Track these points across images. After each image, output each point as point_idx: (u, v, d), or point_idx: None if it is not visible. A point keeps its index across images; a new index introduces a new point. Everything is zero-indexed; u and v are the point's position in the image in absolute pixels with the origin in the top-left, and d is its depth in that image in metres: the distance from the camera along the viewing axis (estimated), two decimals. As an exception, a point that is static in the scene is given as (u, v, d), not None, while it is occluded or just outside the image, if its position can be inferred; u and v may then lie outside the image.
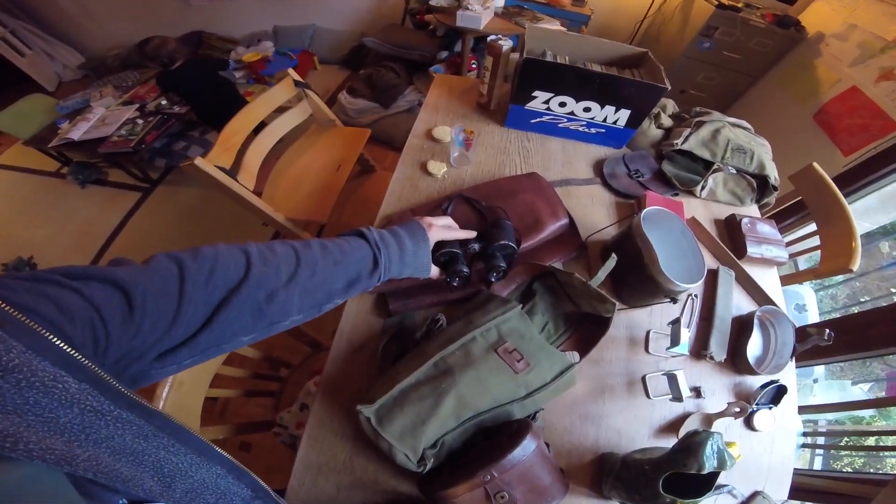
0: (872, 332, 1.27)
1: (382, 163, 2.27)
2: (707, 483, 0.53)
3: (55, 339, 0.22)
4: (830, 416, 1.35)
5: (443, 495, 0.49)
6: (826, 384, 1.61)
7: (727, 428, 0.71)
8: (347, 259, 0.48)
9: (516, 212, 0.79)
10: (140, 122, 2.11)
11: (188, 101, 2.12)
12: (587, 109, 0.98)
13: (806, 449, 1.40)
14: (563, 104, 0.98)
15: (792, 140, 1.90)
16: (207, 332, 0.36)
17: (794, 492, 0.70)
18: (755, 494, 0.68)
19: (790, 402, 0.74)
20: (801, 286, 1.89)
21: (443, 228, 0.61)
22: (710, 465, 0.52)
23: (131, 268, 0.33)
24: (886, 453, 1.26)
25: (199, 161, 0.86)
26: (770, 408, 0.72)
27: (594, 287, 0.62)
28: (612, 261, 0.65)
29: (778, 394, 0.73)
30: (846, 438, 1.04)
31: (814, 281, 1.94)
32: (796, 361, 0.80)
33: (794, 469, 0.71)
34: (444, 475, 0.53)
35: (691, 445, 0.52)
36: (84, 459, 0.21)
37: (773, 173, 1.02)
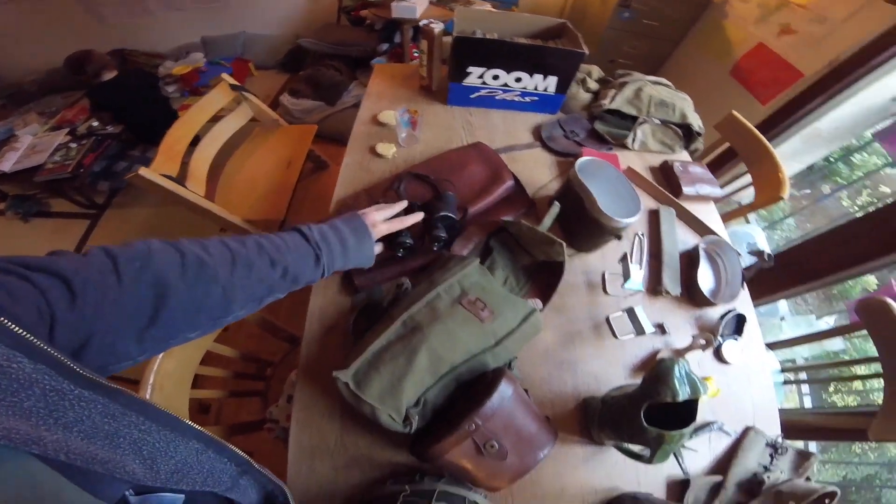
0: (818, 260, 1.41)
1: (336, 159, 2.25)
2: (689, 413, 0.53)
3: (7, 321, 0.22)
4: (806, 352, 1.44)
5: (434, 452, 0.50)
6: (793, 321, 1.67)
7: (699, 363, 0.74)
8: (285, 258, 0.48)
9: (465, 180, 0.83)
10: (73, 145, 1.99)
11: (121, 116, 2.01)
12: (518, 80, 1.03)
13: (791, 387, 1.45)
14: (496, 77, 1.03)
15: (715, 96, 2.05)
16: (153, 329, 0.37)
17: (789, 431, 0.72)
18: (747, 430, 0.70)
19: (754, 332, 0.79)
20: (750, 226, 2.04)
21: (386, 224, 0.63)
22: (682, 391, 0.52)
23: (71, 258, 0.34)
24: (870, 384, 1.36)
25: (143, 171, 0.84)
26: (735, 338, 0.76)
27: (541, 231, 0.66)
28: (556, 207, 0.70)
29: (739, 323, 0.78)
30: (828, 371, 1.11)
31: (764, 222, 2.12)
32: (756, 299, 0.87)
33: (786, 409, 0.78)
34: (431, 434, 0.54)
35: (660, 373, 0.54)
36: (52, 441, 0.21)
37: (695, 122, 1.11)
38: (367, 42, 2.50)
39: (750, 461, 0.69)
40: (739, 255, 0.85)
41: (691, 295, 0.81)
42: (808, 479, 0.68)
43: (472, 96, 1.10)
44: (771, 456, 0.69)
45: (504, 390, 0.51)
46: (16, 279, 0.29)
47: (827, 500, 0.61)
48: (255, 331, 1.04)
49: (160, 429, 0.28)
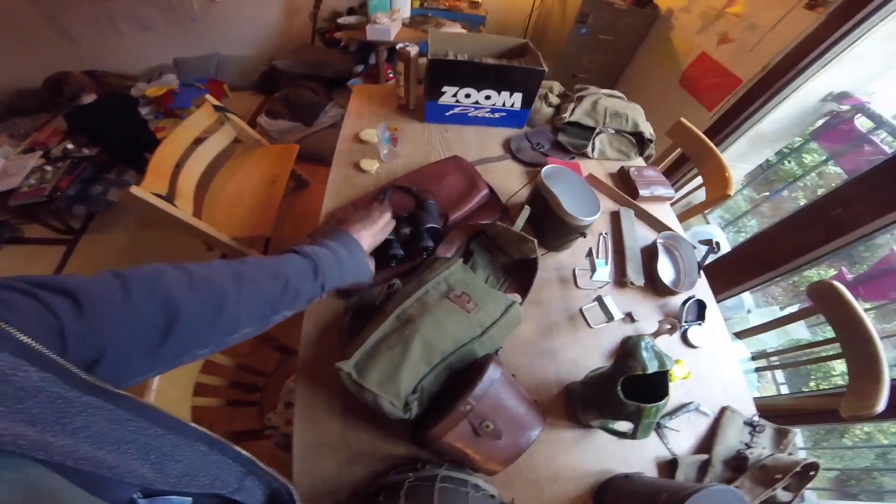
0: (773, 251, 1.54)
1: (315, 178, 2.30)
2: (662, 388, 0.59)
3: (13, 330, 0.22)
4: (774, 341, 1.49)
5: (433, 434, 0.53)
6: (759, 313, 1.75)
7: (669, 348, 0.81)
8: (285, 272, 0.50)
9: (444, 190, 0.90)
10: (49, 168, 1.95)
11: (100, 139, 1.99)
12: (488, 97, 1.13)
13: (767, 377, 1.56)
14: (468, 95, 1.12)
15: (667, 104, 2.22)
16: (165, 345, 0.37)
17: (766, 417, 0.77)
18: (723, 410, 0.75)
19: (716, 318, 0.88)
20: (709, 226, 2.20)
21: (371, 235, 0.65)
22: (651, 364, 0.57)
23: (77, 277, 0.35)
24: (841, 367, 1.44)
25: (135, 189, 0.87)
26: (699, 324, 0.84)
27: (515, 230, 0.74)
28: (526, 210, 0.79)
29: (700, 309, 0.86)
30: (796, 356, 1.17)
31: (725, 221, 2.28)
32: (720, 293, 0.96)
33: (763, 397, 0.84)
34: (429, 422, 0.56)
35: (628, 349, 0.59)
36: (59, 447, 0.21)
37: (647, 130, 1.23)
38: (342, 63, 2.57)
39: (731, 439, 0.73)
40: (694, 247, 0.95)
41: (654, 285, 0.90)
42: (789, 454, 0.71)
43: (447, 114, 1.18)
44: (750, 434, 0.74)
45: (493, 372, 0.55)
46: (20, 295, 0.29)
47: (812, 473, 0.65)
48: (248, 342, 1.08)
49: (165, 433, 0.28)
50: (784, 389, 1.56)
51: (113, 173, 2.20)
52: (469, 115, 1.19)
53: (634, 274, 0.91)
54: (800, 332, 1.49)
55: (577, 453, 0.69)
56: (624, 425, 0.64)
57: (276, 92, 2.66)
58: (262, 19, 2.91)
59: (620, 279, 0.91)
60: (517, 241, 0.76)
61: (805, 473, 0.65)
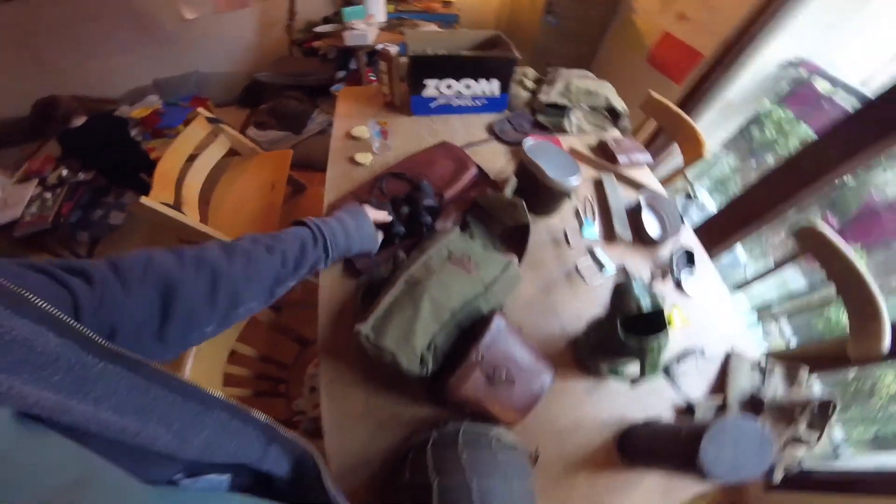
0: (755, 205, 1.62)
1: (311, 182, 2.35)
2: (661, 325, 0.60)
3: (32, 296, 0.22)
4: (774, 294, 1.52)
5: (450, 388, 0.55)
6: (755, 267, 1.76)
7: (664, 298, 0.82)
8: (282, 244, 0.51)
9: (437, 173, 0.97)
10: (48, 195, 1.94)
11: (93, 161, 2.00)
12: (468, 86, 1.20)
13: (775, 331, 1.54)
14: (449, 86, 1.19)
15: (638, 83, 2.28)
16: (169, 324, 0.39)
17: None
18: (729, 355, 0.77)
19: (707, 266, 0.94)
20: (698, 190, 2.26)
21: (373, 211, 0.71)
22: (644, 301, 0.61)
23: (83, 260, 0.39)
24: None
25: (145, 200, 0.92)
26: (690, 271, 0.89)
27: (505, 195, 0.81)
28: (513, 179, 0.86)
29: (689, 258, 0.91)
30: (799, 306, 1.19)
31: (711, 185, 2.35)
32: (712, 247, 0.98)
33: (770, 348, 0.86)
34: (445, 375, 0.59)
35: (621, 290, 0.63)
36: (81, 412, 0.22)
37: (619, 104, 1.32)
38: (323, 71, 2.63)
39: (742, 383, 0.73)
40: (672, 199, 1.02)
41: (642, 238, 0.96)
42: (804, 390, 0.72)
43: (431, 105, 1.25)
44: (761, 376, 0.75)
45: (498, 322, 0.60)
46: (33, 272, 0.32)
47: (831, 412, 0.66)
48: (267, 336, 1.13)
49: (185, 401, 0.28)
50: (793, 344, 1.56)
51: (111, 196, 2.21)
52: (453, 104, 1.26)
53: (621, 229, 0.97)
54: (799, 282, 1.53)
55: (593, 403, 0.72)
56: (632, 368, 0.66)
57: (261, 105, 2.70)
58: (238, 35, 2.93)
59: (609, 234, 0.97)
60: (508, 207, 0.83)
61: (824, 412, 0.67)
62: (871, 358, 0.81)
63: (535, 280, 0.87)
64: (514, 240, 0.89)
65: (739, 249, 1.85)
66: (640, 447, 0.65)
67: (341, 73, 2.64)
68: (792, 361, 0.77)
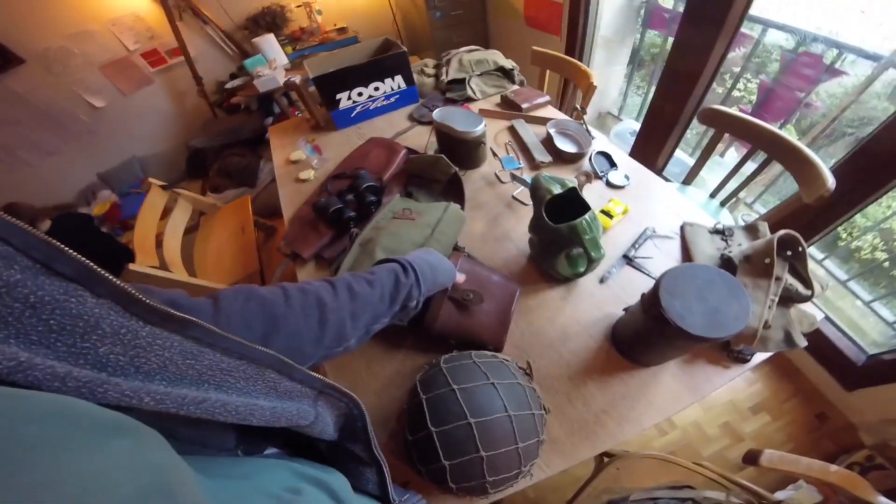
0: (668, 107, 1.69)
1: (281, 226, 2.40)
2: (581, 205, 0.67)
3: (65, 248, 0.19)
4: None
5: (428, 325, 0.60)
6: (708, 168, 1.66)
7: (600, 195, 0.95)
8: (377, 277, 0.49)
9: (371, 162, 1.10)
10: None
11: None
12: (377, 88, 1.33)
13: (738, 209, 1.64)
14: (360, 93, 1.32)
15: (526, 45, 2.47)
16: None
17: None
18: (683, 227, 0.80)
19: (626, 159, 1.04)
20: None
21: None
22: (554, 188, 0.66)
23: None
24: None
25: (133, 266, 1.00)
26: (614, 169, 1.00)
27: (428, 154, 0.94)
28: (434, 142, 0.98)
29: (609, 159, 1.02)
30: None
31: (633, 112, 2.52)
32: (653, 158, 1.15)
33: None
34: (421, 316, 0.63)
35: (534, 187, 0.71)
36: (130, 388, 0.19)
37: (506, 63, 1.48)
38: (252, 122, 2.70)
39: (706, 248, 0.73)
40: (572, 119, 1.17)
41: (563, 158, 1.08)
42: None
43: (352, 115, 1.38)
44: (723, 239, 0.75)
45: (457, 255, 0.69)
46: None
47: (800, 248, 0.63)
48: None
49: (238, 363, 0.26)
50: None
51: None
52: (371, 108, 1.39)
53: (540, 155, 1.10)
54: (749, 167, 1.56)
55: (572, 307, 0.74)
56: (579, 256, 0.71)
57: (208, 170, 2.73)
58: (158, 110, 2.94)
59: (532, 163, 1.11)
60: (434, 164, 0.96)
61: (795, 251, 0.64)
62: (823, 196, 0.83)
63: (481, 218, 0.97)
64: (453, 192, 1.01)
65: (680, 154, 1.93)
66: (628, 336, 0.64)
67: (269, 120, 2.72)
68: (750, 223, 0.77)
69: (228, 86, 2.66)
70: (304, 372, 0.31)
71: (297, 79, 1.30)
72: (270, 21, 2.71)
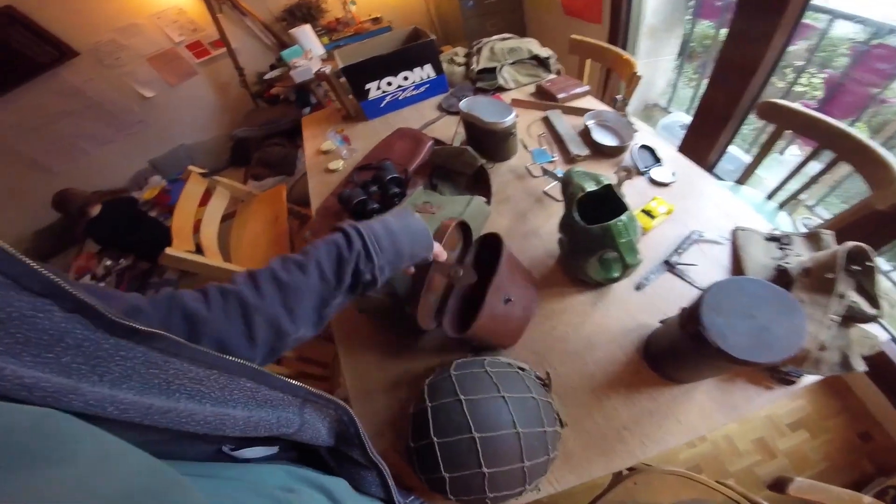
0: (720, 99, 1.61)
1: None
2: (617, 204, 0.60)
3: (36, 265, 0.19)
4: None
5: (478, 323, 0.54)
6: (764, 165, 1.52)
7: (640, 193, 0.86)
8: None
9: (397, 153, 1.07)
10: (102, 285, 2.07)
11: (125, 245, 2.10)
12: (406, 77, 1.30)
13: (798, 213, 1.42)
14: (389, 83, 1.29)
15: (566, 33, 2.35)
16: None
17: None
18: (735, 231, 0.70)
19: (673, 154, 0.94)
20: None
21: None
22: (588, 185, 0.60)
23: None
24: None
25: (169, 250, 1.05)
26: (658, 165, 0.89)
27: (453, 146, 0.90)
28: (461, 133, 0.93)
29: (653, 154, 0.92)
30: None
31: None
32: (705, 154, 1.05)
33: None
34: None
35: (565, 183, 0.65)
36: (94, 394, 0.19)
37: (543, 53, 1.40)
38: (291, 113, 2.76)
39: (760, 257, 0.64)
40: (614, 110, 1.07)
41: (602, 151, 0.99)
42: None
43: (382, 105, 1.36)
44: (779, 248, 0.65)
45: (506, 248, 0.60)
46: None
47: (867, 262, 0.54)
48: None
49: (210, 372, 0.25)
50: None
51: (155, 277, 2.32)
52: (400, 98, 1.36)
53: (576, 148, 1.02)
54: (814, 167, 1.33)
55: (601, 315, 0.67)
56: (613, 260, 0.61)
57: (250, 159, 2.83)
58: (202, 101, 3.06)
59: (567, 157, 1.01)
60: (458, 155, 0.92)
61: (862, 266, 0.54)
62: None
63: (508, 213, 0.91)
64: (479, 184, 0.97)
65: (735, 150, 1.78)
66: (662, 350, 0.57)
67: (306, 110, 2.77)
68: (811, 230, 0.66)
69: (267, 76, 2.72)
70: (282, 380, 0.30)
71: (327, 69, 1.29)
72: (306, 12, 2.73)
